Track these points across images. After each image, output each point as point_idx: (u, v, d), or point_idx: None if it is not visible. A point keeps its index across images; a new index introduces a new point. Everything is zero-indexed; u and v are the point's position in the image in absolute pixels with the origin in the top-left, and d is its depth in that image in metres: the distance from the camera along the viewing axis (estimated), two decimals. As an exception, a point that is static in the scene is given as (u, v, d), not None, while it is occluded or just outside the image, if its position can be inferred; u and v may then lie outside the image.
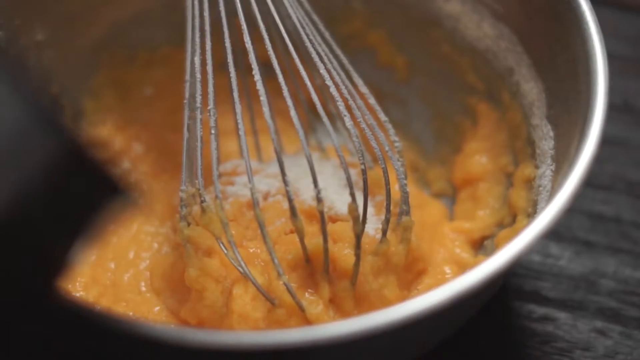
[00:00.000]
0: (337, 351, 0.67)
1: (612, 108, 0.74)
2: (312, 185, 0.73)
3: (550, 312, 0.85)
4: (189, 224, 0.78)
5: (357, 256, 0.74)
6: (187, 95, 0.80)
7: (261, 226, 0.72)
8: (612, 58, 0.76)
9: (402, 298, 0.78)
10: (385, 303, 0.76)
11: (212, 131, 0.76)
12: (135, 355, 0.73)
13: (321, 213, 0.73)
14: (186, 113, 0.80)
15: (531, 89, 0.85)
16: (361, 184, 0.77)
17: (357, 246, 0.74)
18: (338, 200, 0.81)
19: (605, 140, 0.72)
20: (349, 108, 0.78)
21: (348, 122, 0.75)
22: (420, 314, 0.63)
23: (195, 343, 0.63)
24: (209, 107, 0.76)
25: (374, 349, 0.69)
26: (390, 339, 0.68)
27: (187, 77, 0.80)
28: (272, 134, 0.73)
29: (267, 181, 0.82)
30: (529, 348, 0.83)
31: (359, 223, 0.74)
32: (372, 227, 0.79)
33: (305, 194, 0.80)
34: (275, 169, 0.84)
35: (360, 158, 0.75)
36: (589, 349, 0.83)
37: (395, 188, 0.79)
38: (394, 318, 0.63)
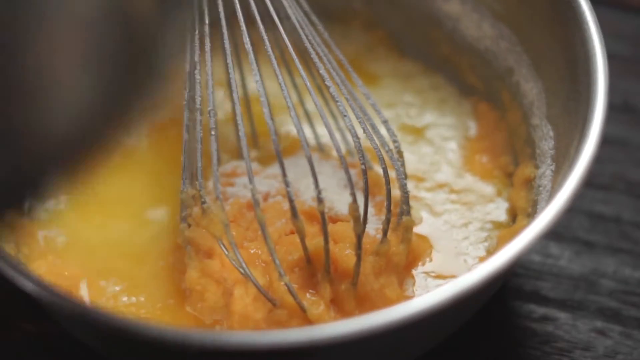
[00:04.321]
0: (337, 351, 0.67)
1: (612, 108, 0.74)
2: (312, 186, 0.73)
3: (550, 312, 0.85)
4: (189, 226, 0.78)
5: (358, 256, 0.74)
6: (186, 96, 0.80)
7: (262, 227, 0.72)
8: (612, 58, 0.76)
9: (404, 298, 0.78)
10: (387, 303, 0.75)
11: (212, 132, 0.76)
12: (136, 355, 0.73)
13: (322, 213, 0.73)
14: (185, 114, 0.80)
15: (531, 89, 0.85)
16: (361, 184, 0.77)
17: (358, 246, 0.74)
18: (338, 200, 0.81)
19: (605, 140, 0.72)
20: (349, 108, 0.78)
21: (348, 122, 0.75)
22: (421, 314, 0.63)
23: (195, 343, 0.63)
24: (208, 109, 0.76)
25: (374, 349, 0.69)
26: (390, 339, 0.68)
27: (186, 77, 0.80)
28: (272, 134, 0.73)
29: (267, 182, 0.82)
30: (529, 348, 0.83)
31: (359, 223, 0.74)
32: (373, 227, 0.79)
33: (305, 195, 0.80)
34: (274, 169, 0.84)
35: (361, 158, 0.75)
36: (589, 349, 0.83)
37: (395, 188, 0.79)
38: (394, 318, 0.63)
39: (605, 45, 0.76)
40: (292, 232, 0.77)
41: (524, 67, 0.85)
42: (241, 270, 0.75)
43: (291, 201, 0.72)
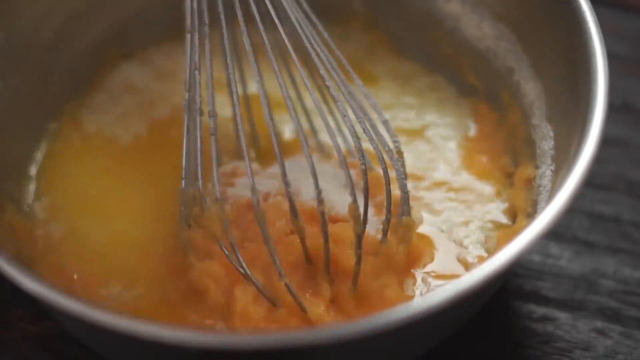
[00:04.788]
0: (337, 351, 0.67)
1: (612, 108, 0.74)
2: (312, 186, 0.73)
3: (550, 312, 0.85)
4: (189, 226, 0.78)
5: (359, 256, 0.74)
6: (186, 97, 0.80)
7: (262, 227, 0.72)
8: (612, 58, 0.76)
9: (404, 298, 0.78)
10: (387, 303, 0.76)
11: (212, 133, 0.76)
12: (136, 355, 0.73)
13: (322, 214, 0.73)
14: (186, 115, 0.80)
15: (531, 89, 0.85)
16: (361, 184, 0.77)
17: (358, 246, 0.74)
18: (338, 200, 0.81)
19: (605, 140, 0.72)
20: (349, 108, 0.78)
21: (348, 122, 0.75)
22: (421, 315, 0.63)
23: (195, 343, 0.63)
24: (208, 109, 0.76)
25: (374, 349, 0.69)
26: (390, 340, 0.68)
27: (187, 78, 0.80)
28: (272, 134, 0.73)
29: (267, 182, 0.82)
30: (529, 348, 0.83)
31: (359, 223, 0.73)
32: (373, 227, 0.79)
33: (305, 195, 0.80)
34: (274, 170, 0.84)
35: (361, 158, 0.75)
36: (589, 349, 0.83)
37: (395, 188, 0.79)
38: (394, 319, 0.63)
39: (605, 45, 0.76)
40: (293, 232, 0.77)
41: (524, 67, 0.85)
42: (241, 270, 0.75)
43: (291, 201, 0.72)
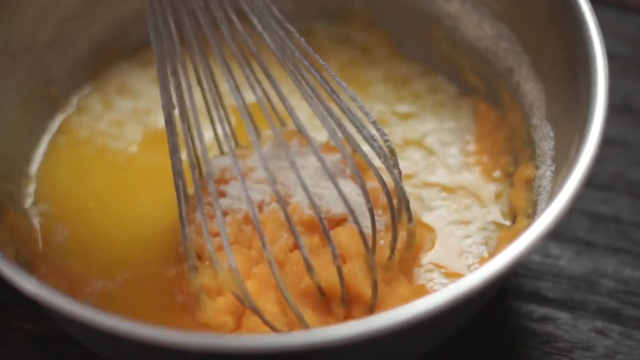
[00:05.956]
0: (337, 353, 0.67)
1: (612, 108, 0.74)
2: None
3: (550, 312, 0.85)
4: (196, 269, 0.76)
5: (374, 282, 0.74)
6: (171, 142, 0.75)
7: (272, 267, 0.71)
8: (612, 58, 0.76)
9: (416, 290, 0.78)
10: (401, 300, 0.75)
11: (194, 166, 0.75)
12: (136, 356, 0.73)
13: (320, 219, 0.72)
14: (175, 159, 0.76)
15: (531, 89, 0.85)
16: (348, 172, 0.78)
17: (372, 267, 0.74)
18: (329, 195, 0.79)
19: (605, 140, 0.72)
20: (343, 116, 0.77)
21: (344, 130, 0.74)
22: (421, 317, 0.64)
23: (195, 345, 0.63)
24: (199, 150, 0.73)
25: (374, 350, 0.69)
26: (391, 341, 0.68)
27: (165, 116, 0.75)
28: (274, 133, 0.72)
29: (258, 187, 0.80)
30: (529, 348, 0.83)
31: (374, 268, 0.74)
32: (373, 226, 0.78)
33: (297, 193, 0.79)
34: (254, 162, 0.82)
35: (356, 174, 0.74)
36: (589, 349, 0.83)
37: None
38: (395, 320, 0.63)
39: (605, 45, 0.76)
40: (296, 248, 0.76)
41: (524, 67, 0.85)
42: (250, 306, 0.73)
43: (306, 259, 0.72)
